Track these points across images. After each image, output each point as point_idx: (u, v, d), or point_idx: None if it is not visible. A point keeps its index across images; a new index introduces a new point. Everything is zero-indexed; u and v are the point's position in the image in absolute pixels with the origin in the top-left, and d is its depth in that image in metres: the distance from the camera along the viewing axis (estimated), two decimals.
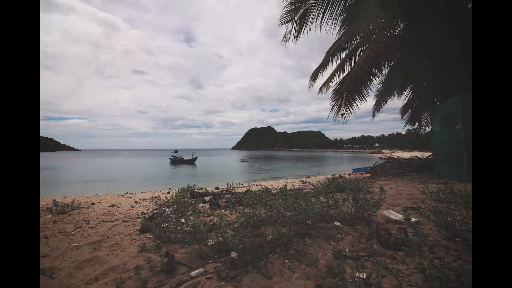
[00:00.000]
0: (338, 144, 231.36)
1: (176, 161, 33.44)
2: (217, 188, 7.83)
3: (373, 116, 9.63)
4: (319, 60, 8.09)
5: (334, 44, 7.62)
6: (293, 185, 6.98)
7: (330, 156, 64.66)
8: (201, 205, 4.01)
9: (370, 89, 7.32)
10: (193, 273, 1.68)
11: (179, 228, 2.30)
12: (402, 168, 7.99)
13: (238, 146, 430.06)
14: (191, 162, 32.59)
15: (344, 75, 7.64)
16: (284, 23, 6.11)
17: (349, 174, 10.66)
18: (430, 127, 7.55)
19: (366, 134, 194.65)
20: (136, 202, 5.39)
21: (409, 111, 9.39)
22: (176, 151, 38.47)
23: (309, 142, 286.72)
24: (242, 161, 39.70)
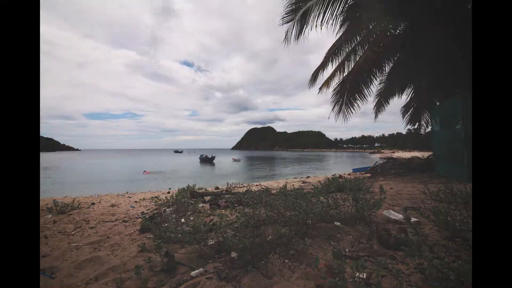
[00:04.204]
0: (338, 144, 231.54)
1: (203, 159, 38.37)
2: (217, 188, 7.83)
3: (376, 116, 9.62)
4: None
5: (334, 44, 7.61)
6: (293, 185, 6.98)
7: (330, 156, 64.64)
8: (201, 205, 4.01)
9: (371, 89, 7.33)
10: (193, 273, 1.69)
11: (179, 228, 2.30)
12: (402, 168, 7.99)
13: (238, 146, 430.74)
14: (210, 161, 36.82)
15: (344, 75, 7.64)
16: (285, 23, 6.11)
17: (349, 174, 10.66)
18: (430, 127, 7.56)
19: (366, 134, 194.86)
20: (136, 202, 5.39)
21: (410, 111, 9.40)
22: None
23: (309, 142, 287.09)
24: (234, 160, 40.71)
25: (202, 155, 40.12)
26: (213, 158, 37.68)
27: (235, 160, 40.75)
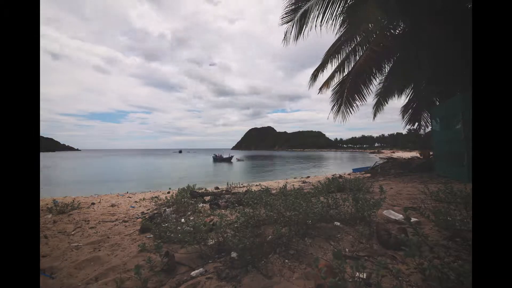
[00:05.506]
0: (338, 144, 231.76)
1: (217, 159, 39.58)
2: (217, 188, 7.83)
3: (374, 116, 9.61)
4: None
5: (334, 44, 7.61)
6: (293, 185, 6.98)
7: (330, 156, 64.75)
8: (201, 205, 4.01)
9: (370, 89, 7.32)
10: (193, 273, 1.69)
11: (179, 228, 2.30)
12: (402, 168, 7.99)
13: (238, 146, 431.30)
14: (229, 160, 38.24)
15: (344, 75, 7.64)
16: (284, 23, 6.12)
17: (349, 174, 10.66)
18: (430, 127, 7.55)
19: (366, 134, 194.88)
20: (136, 202, 5.39)
21: (409, 111, 9.38)
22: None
23: (309, 142, 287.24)
24: (238, 160, 42.68)
25: (215, 155, 42.12)
26: (231, 157, 39.46)
27: (238, 160, 44.05)
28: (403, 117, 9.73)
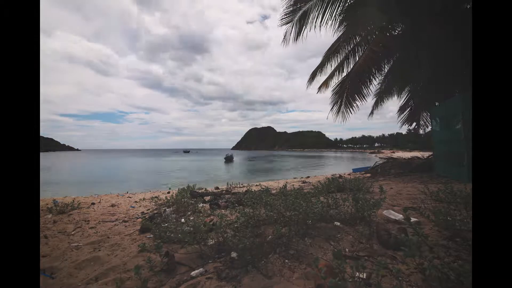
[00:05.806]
0: (338, 144, 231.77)
1: (227, 158, 44.18)
2: (217, 188, 7.83)
3: (371, 114, 9.61)
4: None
5: (333, 44, 7.61)
6: (293, 185, 6.97)
7: (330, 156, 64.79)
8: (201, 205, 4.01)
9: (370, 89, 7.32)
10: (193, 273, 1.69)
11: (179, 228, 2.30)
12: (402, 168, 7.99)
13: (238, 146, 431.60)
14: (231, 159, 42.69)
15: (343, 75, 7.64)
16: (284, 24, 6.12)
17: (349, 174, 10.66)
18: (430, 127, 7.55)
19: (366, 134, 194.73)
20: (136, 202, 5.39)
21: (407, 111, 9.38)
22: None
23: (309, 142, 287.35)
24: (250, 160, 46.90)
25: (227, 155, 46.27)
26: (231, 157, 43.80)
27: (250, 160, 49.49)
28: (398, 117, 9.74)
